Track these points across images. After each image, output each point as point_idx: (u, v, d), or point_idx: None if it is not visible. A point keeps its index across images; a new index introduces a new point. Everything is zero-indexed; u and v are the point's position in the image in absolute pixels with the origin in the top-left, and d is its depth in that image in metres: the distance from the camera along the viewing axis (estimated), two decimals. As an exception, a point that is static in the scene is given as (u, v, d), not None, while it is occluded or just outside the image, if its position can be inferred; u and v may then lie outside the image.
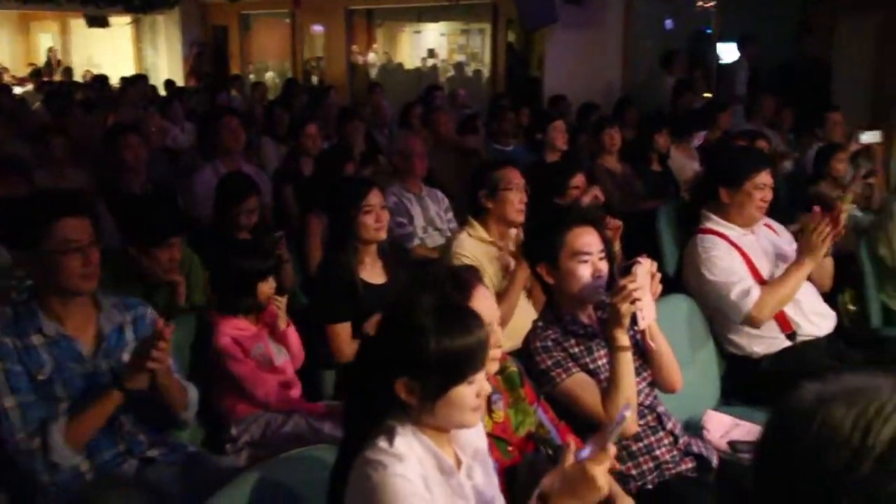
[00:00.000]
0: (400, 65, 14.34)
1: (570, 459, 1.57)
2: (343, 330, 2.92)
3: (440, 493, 1.53)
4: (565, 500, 1.52)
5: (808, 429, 0.87)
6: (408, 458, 1.50)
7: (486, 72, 12.59)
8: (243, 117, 5.53)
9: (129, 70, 13.62)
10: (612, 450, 1.55)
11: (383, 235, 3.07)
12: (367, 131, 6.42)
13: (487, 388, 1.58)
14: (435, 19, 13.74)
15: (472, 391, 1.54)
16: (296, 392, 2.89)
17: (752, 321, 2.91)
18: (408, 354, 1.51)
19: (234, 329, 2.75)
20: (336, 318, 2.93)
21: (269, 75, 14.40)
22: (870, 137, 5.39)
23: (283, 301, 2.81)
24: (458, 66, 13.69)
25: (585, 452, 1.56)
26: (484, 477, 1.67)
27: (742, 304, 2.89)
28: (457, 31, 13.97)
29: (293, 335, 2.87)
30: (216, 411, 2.76)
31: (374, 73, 13.81)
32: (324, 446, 1.95)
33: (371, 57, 14.15)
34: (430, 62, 13.96)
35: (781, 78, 7.56)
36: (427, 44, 14.23)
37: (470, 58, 13.63)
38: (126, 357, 2.25)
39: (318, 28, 13.75)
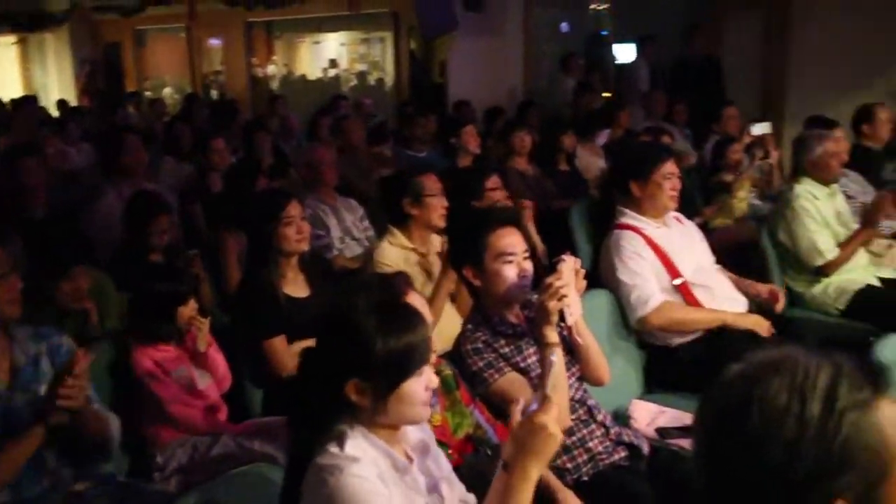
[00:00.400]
0: (302, 76, 14.20)
1: (517, 418, 1.59)
2: (280, 343, 2.88)
3: (397, 491, 1.54)
4: (526, 460, 1.54)
5: (749, 407, 0.91)
6: (362, 459, 1.51)
7: (388, 80, 12.61)
8: (143, 135, 5.38)
9: (16, 91, 13.03)
10: (562, 392, 1.59)
11: (305, 247, 3.05)
12: (274, 144, 6.34)
13: (435, 379, 1.61)
14: (335, 29, 13.66)
15: (422, 384, 1.57)
16: (222, 415, 2.83)
17: (642, 325, 3.03)
18: (355, 357, 1.52)
19: (154, 353, 2.68)
20: (270, 332, 2.88)
21: (167, 91, 14.03)
22: (761, 129, 5.66)
23: (205, 322, 2.75)
24: (361, 75, 13.66)
25: (532, 407, 1.58)
26: (437, 468, 1.69)
27: (638, 309, 3.01)
28: (357, 40, 13.92)
29: (218, 357, 2.81)
30: (140, 439, 2.67)
31: (275, 85, 13.65)
32: (261, 464, 1.92)
33: (271, 69, 13.98)
34: (332, 72, 13.88)
35: (677, 76, 7.85)
36: (327, 54, 14.13)
37: (372, 66, 13.61)
38: (43, 390, 2.15)
39: (215, 42, 13.50)
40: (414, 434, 1.69)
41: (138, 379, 2.63)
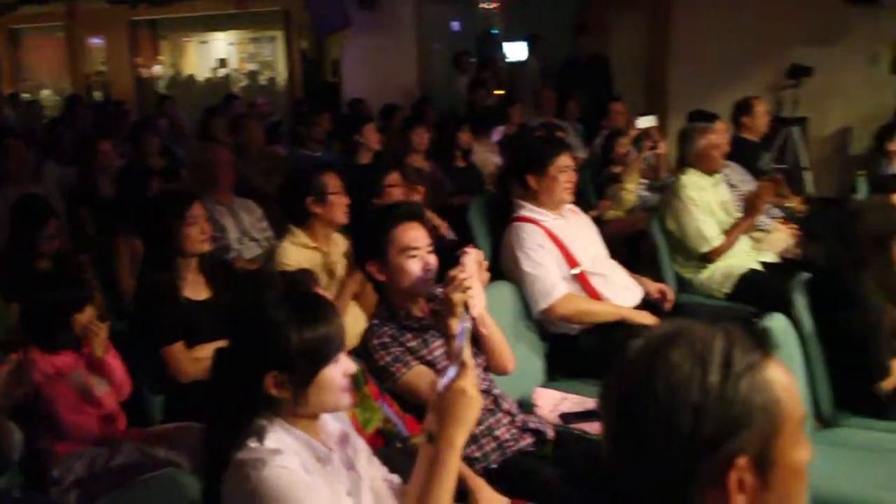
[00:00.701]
0: (190, 76, 13.84)
1: (438, 388, 1.62)
2: (179, 350, 2.81)
3: (320, 480, 1.54)
4: (450, 427, 1.58)
5: (655, 379, 0.96)
6: (283, 451, 1.50)
7: (281, 79, 12.45)
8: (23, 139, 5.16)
9: None
10: (470, 360, 1.63)
11: (208, 247, 3.00)
12: (164, 146, 6.17)
13: (352, 365, 1.62)
14: (223, 28, 13.38)
15: (340, 371, 1.58)
16: (120, 424, 2.75)
17: (546, 314, 3.12)
18: (271, 350, 1.53)
19: (52, 360, 2.58)
20: (169, 339, 2.81)
21: (46, 93, 13.42)
22: (646, 122, 5.88)
23: (103, 328, 2.66)
24: (252, 75, 13.43)
25: (450, 374, 1.62)
26: (357, 457, 1.70)
27: (542, 300, 3.10)
28: (246, 39, 13.68)
29: (115, 363, 2.73)
30: (35, 453, 2.57)
31: (162, 86, 13.25)
32: (170, 469, 1.88)
33: (157, 69, 13.57)
34: (222, 72, 13.59)
35: (568, 73, 8.07)
36: (216, 54, 13.83)
37: (263, 66, 13.40)
38: None
39: (96, 41, 12.99)
40: (334, 424, 1.70)
41: (35, 387, 2.53)
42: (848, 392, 2.87)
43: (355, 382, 2.13)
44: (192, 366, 2.81)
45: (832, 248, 3.03)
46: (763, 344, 0.99)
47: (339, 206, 3.28)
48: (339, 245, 3.33)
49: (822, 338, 2.86)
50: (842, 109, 7.72)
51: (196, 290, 2.98)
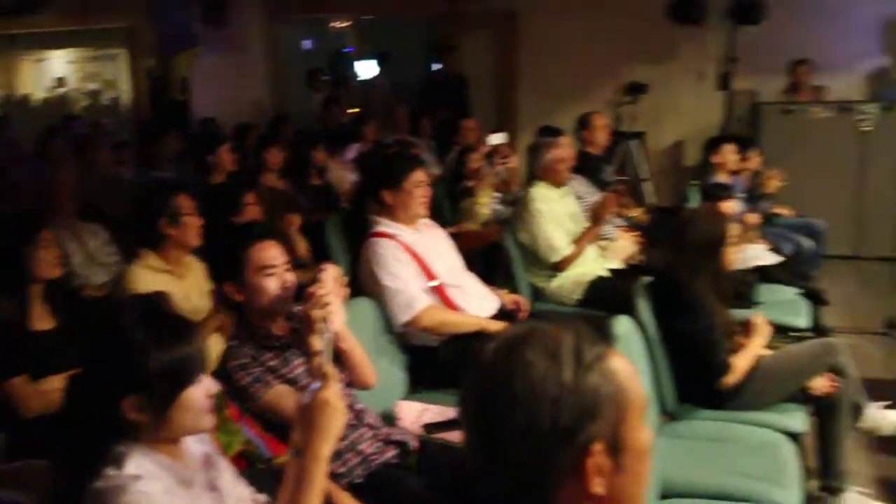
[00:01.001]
0: (25, 96, 13.07)
1: (301, 402, 1.63)
2: (22, 384, 2.66)
3: None
4: (315, 439, 1.58)
5: (512, 378, 1.01)
6: (144, 476, 1.46)
7: (125, 98, 11.95)
8: None
9: None
10: (332, 371, 1.64)
11: (59, 272, 2.86)
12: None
13: (214, 385, 1.59)
14: (61, 46, 12.72)
15: (202, 391, 1.55)
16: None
17: (408, 327, 3.17)
18: (129, 373, 1.48)
19: None
20: (11, 371, 2.65)
21: None
22: (498, 139, 6.09)
23: None
24: (93, 94, 12.84)
25: (313, 387, 1.62)
26: (221, 478, 1.67)
27: (404, 313, 3.14)
28: (86, 57, 13.06)
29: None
30: None
31: (-7, 106, 12.44)
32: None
33: (-12, 89, 12.73)
34: (60, 91, 12.91)
35: (429, 91, 8.23)
36: (53, 72, 13.13)
37: (105, 85, 12.83)
38: None
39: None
40: (196, 447, 1.67)
41: None
42: (690, 387, 3.07)
43: (216, 405, 2.10)
44: (37, 400, 2.66)
45: (668, 254, 3.24)
46: (606, 337, 1.06)
47: (192, 228, 3.20)
48: (193, 268, 3.26)
49: (664, 338, 3.05)
50: (675, 124, 8.26)
51: (41, 320, 2.83)
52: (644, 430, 1.05)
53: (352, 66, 9.99)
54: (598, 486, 1.00)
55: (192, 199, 3.25)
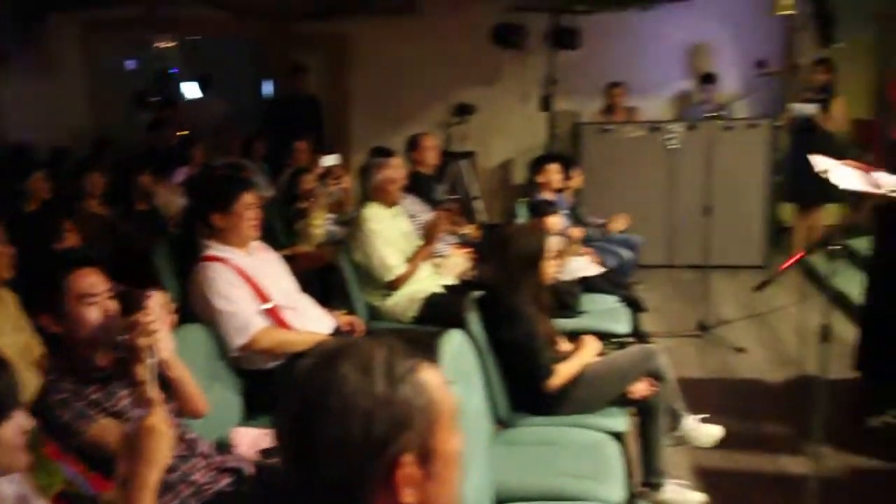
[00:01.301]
0: None
1: (128, 430, 1.59)
2: None
3: None
4: (141, 466, 1.54)
5: (327, 393, 1.04)
6: None
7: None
8: None
9: None
10: (157, 397, 1.60)
11: None
12: None
13: (28, 422, 1.52)
14: None
15: (14, 429, 1.47)
16: None
17: (244, 350, 3.12)
18: None
19: None
20: None
21: None
22: (330, 160, 6.10)
23: None
24: None
25: (138, 414, 1.58)
26: None
27: (239, 336, 3.09)
28: None
29: None
30: None
31: None
32: None
33: None
34: None
35: (272, 112, 8.13)
36: None
37: None
38: None
39: None
40: (8, 487, 1.57)
41: None
42: (522, 395, 3.20)
43: (30, 442, 1.99)
44: None
45: (494, 269, 3.38)
46: (432, 352, 1.11)
47: (2, 258, 3.02)
48: (5, 301, 3.06)
49: (494, 349, 3.17)
50: (503, 143, 8.60)
51: None
52: (453, 438, 1.10)
53: (178, 88, 9.70)
54: (408, 497, 1.04)
55: (3, 228, 3.06)
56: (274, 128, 7.66)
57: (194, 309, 3.18)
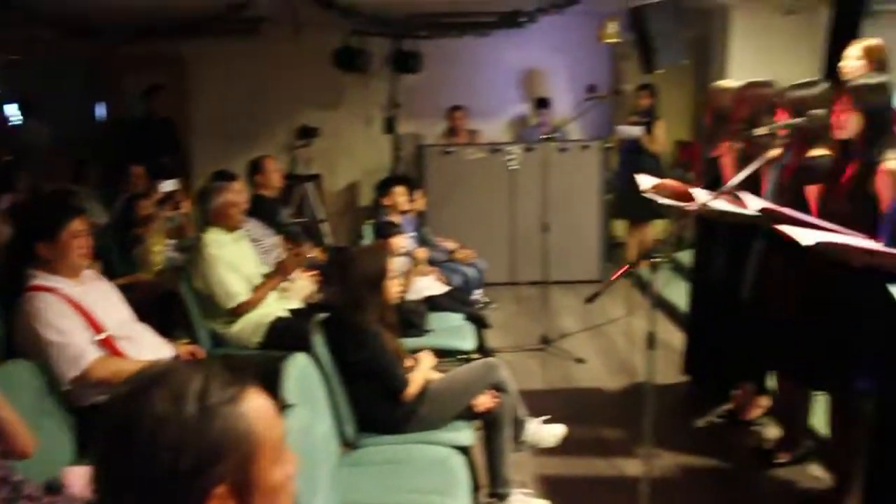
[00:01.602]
0: None
1: None
2: None
3: None
4: None
5: (136, 422, 0.99)
6: None
7: None
8: None
9: None
10: None
11: None
12: None
13: None
14: None
15: None
16: None
17: (79, 382, 2.98)
18: None
19: None
20: None
21: None
22: (169, 185, 5.93)
23: None
24: None
25: None
26: None
27: (71, 369, 2.96)
28: None
29: None
30: None
31: None
32: None
33: None
34: None
35: (130, 135, 7.79)
36: None
37: None
38: None
39: None
40: None
41: None
42: (369, 415, 3.23)
43: None
44: None
45: (339, 290, 3.40)
46: (243, 378, 1.07)
47: None
48: None
49: (343, 371, 3.18)
50: (349, 166, 8.64)
51: None
52: (277, 469, 1.07)
53: (1, 111, 9.10)
54: None
55: None
56: (111, 152, 7.35)
57: (20, 343, 3.01)
